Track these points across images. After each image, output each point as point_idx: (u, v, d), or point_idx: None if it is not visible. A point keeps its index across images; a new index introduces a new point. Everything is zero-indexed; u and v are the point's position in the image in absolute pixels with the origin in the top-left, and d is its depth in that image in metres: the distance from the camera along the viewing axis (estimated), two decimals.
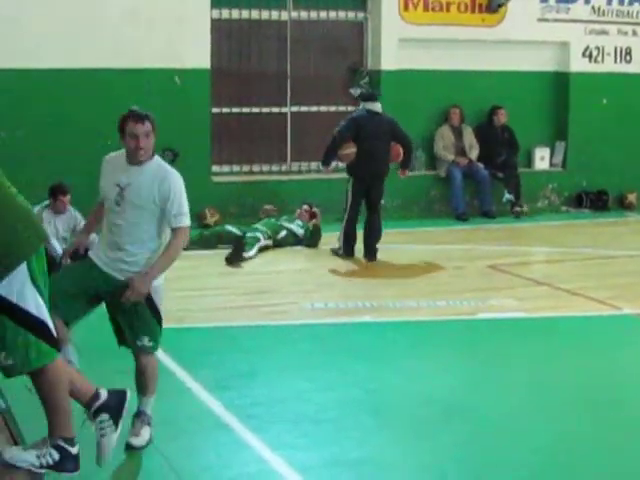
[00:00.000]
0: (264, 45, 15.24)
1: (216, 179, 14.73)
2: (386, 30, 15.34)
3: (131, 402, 6.10)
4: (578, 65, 16.60)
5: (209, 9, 14.45)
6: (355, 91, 14.53)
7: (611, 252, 13.13)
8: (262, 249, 12.52)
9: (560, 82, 16.61)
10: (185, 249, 11.78)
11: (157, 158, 6.13)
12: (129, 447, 6.00)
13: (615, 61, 16.85)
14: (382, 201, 12.69)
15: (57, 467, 4.29)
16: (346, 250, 12.36)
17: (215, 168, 14.90)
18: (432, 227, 14.83)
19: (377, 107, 12.43)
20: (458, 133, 15.87)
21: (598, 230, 15.10)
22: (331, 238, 12.71)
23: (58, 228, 11.21)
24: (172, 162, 14.41)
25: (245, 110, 15.19)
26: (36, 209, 11.17)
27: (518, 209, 15.83)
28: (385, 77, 15.34)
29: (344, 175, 12.64)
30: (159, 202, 5.97)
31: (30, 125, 13.23)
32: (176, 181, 6.06)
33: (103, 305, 6.17)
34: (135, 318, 6.00)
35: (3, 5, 13.11)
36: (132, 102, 13.54)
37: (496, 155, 15.84)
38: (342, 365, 7.99)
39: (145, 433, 6.14)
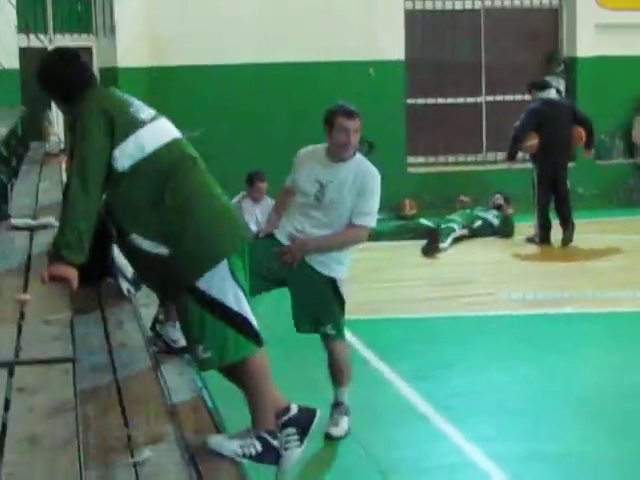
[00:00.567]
0: (458, 35, 15.20)
1: (412, 170, 14.77)
2: (582, 16, 15.05)
3: (328, 395, 6.27)
4: None
5: (402, 0, 14.50)
6: (551, 79, 14.29)
7: None
8: (457, 239, 12.50)
9: None
10: (379, 240, 12.10)
11: (358, 154, 6.14)
12: (328, 437, 6.15)
13: None
14: (568, 187, 12.48)
15: (259, 458, 4.35)
16: (542, 238, 12.24)
17: (410, 159, 14.95)
18: (631, 216, 14.44)
19: (552, 94, 12.34)
20: None
21: None
22: (526, 227, 12.57)
23: (257, 215, 11.33)
24: (367, 153, 14.55)
25: (440, 101, 15.19)
26: (235, 199, 11.47)
27: None
28: (581, 64, 15.07)
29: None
30: (356, 197, 5.99)
31: (232, 119, 13.59)
32: (374, 179, 6.05)
33: None
34: (320, 305, 6.08)
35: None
36: (327, 95, 13.94)
37: None
38: (540, 357, 7.91)
39: (344, 423, 6.25)
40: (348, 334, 6.39)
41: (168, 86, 13.64)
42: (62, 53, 4.76)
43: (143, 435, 3.99)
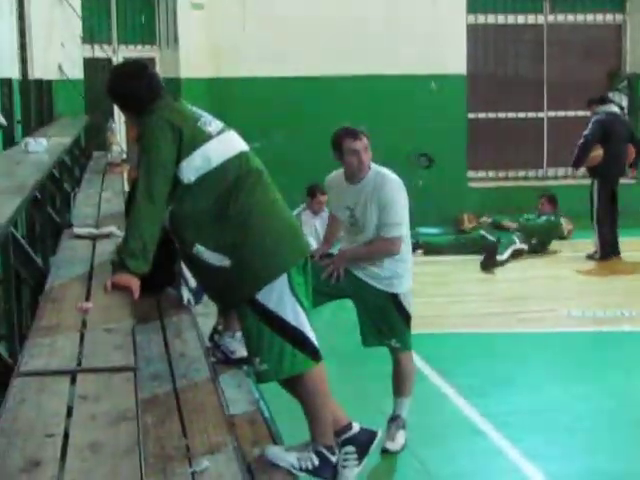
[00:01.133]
0: (520, 49, 15.14)
1: (472, 184, 14.72)
2: None
3: (386, 408, 6.26)
4: None
5: (465, 14, 14.48)
6: (613, 96, 14.18)
7: None
8: (517, 254, 12.40)
9: None
10: (439, 253, 12.04)
11: (374, 166, 6.04)
12: (384, 451, 6.13)
13: None
14: None
15: (315, 472, 4.35)
16: (604, 255, 12.11)
17: (471, 173, 14.90)
18: None
19: (614, 109, 12.29)
20: None
21: None
22: (586, 244, 12.45)
23: (317, 228, 11.35)
24: (427, 167, 14.58)
25: (501, 115, 15.12)
26: (295, 212, 11.49)
27: None
28: None
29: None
30: (378, 211, 5.90)
31: (292, 130, 13.65)
32: (393, 188, 5.93)
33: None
34: (382, 320, 6.08)
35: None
36: (390, 108, 13.98)
37: None
38: (598, 375, 7.83)
39: (400, 437, 6.24)
40: None
41: (229, 97, 13.74)
42: (131, 65, 4.81)
43: (201, 445, 4.01)
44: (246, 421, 4.59)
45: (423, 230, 12.87)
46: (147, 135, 4.23)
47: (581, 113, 14.66)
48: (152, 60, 13.77)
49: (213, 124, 4.35)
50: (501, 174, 15.11)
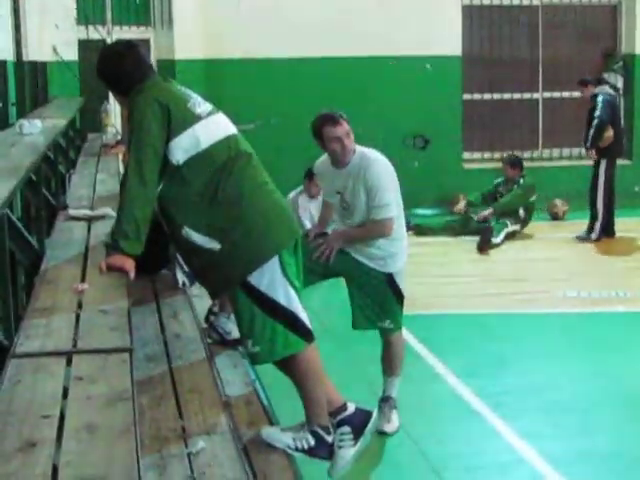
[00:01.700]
0: (515, 31, 15.11)
1: (467, 166, 14.71)
2: None
3: (380, 389, 6.28)
4: None
5: None
6: (609, 77, 14.17)
7: None
8: (510, 235, 12.41)
9: None
10: (432, 234, 12.01)
11: (359, 149, 5.98)
12: (381, 433, 6.15)
13: None
14: None
15: (311, 452, 4.35)
16: (600, 235, 12.12)
17: (466, 155, 14.90)
18: None
19: (610, 90, 12.34)
20: None
21: None
22: (582, 225, 12.46)
23: (312, 212, 11.37)
24: (423, 149, 14.57)
25: (496, 96, 15.11)
26: (291, 195, 11.49)
27: None
28: None
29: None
30: (366, 193, 5.87)
31: (287, 112, 13.61)
32: (378, 170, 5.88)
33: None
34: (376, 301, 6.07)
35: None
36: (385, 90, 13.96)
37: None
38: (593, 355, 7.85)
39: (395, 418, 6.27)
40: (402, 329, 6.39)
41: (224, 78, 13.72)
42: (120, 44, 4.78)
43: (197, 426, 4.02)
44: (242, 402, 4.60)
45: (419, 211, 12.88)
46: (136, 115, 4.19)
47: (576, 94, 14.64)
48: (147, 42, 13.72)
49: (203, 106, 4.32)
50: (496, 155, 15.08)
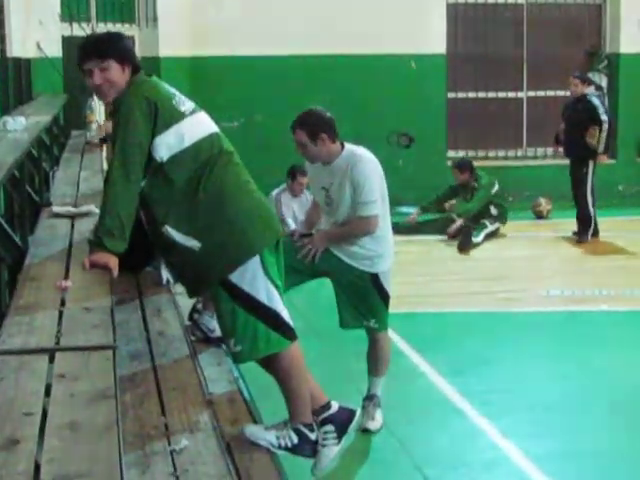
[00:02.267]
0: (500, 29, 15.13)
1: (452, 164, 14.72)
2: (626, 12, 14.92)
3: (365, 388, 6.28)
4: None
5: None
6: (593, 75, 14.21)
7: None
8: (492, 234, 12.41)
9: None
10: (412, 233, 11.97)
11: (348, 146, 5.97)
12: (365, 431, 6.16)
13: None
14: None
15: (295, 450, 4.36)
16: (586, 235, 12.12)
17: (451, 153, 14.91)
18: None
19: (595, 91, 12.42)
20: None
21: None
22: (566, 224, 12.49)
23: (295, 210, 11.37)
24: (407, 147, 14.57)
25: (481, 95, 15.13)
26: (274, 192, 11.48)
27: None
28: (624, 61, 14.93)
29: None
30: (353, 190, 5.86)
31: (272, 110, 13.59)
32: (365, 167, 5.86)
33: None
34: (362, 301, 6.07)
35: None
36: (369, 88, 13.96)
37: None
38: (577, 354, 7.87)
39: (379, 416, 6.27)
40: None
41: (209, 76, 13.70)
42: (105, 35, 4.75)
43: (180, 423, 4.02)
44: (225, 400, 4.60)
45: (402, 209, 12.87)
46: (124, 111, 4.16)
47: (560, 93, 14.70)
48: (131, 39, 13.68)
49: (187, 104, 4.31)
50: (481, 154, 15.11)
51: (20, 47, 10.74)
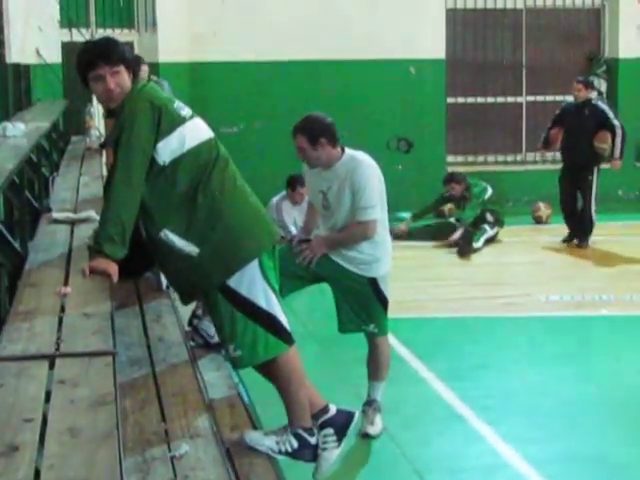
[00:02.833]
0: (499, 34, 15.14)
1: (451, 169, 14.71)
2: (624, 17, 14.93)
3: (365, 392, 6.28)
4: None
5: None
6: (592, 80, 14.20)
7: None
8: (491, 239, 12.41)
9: None
10: (411, 239, 11.95)
11: (349, 151, 5.97)
12: (365, 436, 6.16)
13: None
14: None
15: (295, 455, 4.36)
16: (586, 241, 12.12)
17: (450, 158, 14.92)
18: None
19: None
20: None
21: None
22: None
23: (295, 218, 11.38)
24: (406, 152, 14.57)
25: (480, 100, 15.14)
26: (275, 199, 11.50)
27: None
28: (623, 66, 14.93)
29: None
30: (352, 195, 5.86)
31: (271, 116, 13.60)
32: (365, 172, 5.86)
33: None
34: (361, 306, 6.06)
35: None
36: (369, 93, 13.97)
37: None
38: (576, 359, 7.87)
39: (379, 421, 6.27)
40: None
41: (208, 82, 13.70)
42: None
43: (180, 429, 4.02)
44: (225, 405, 4.60)
45: (402, 215, 12.87)
46: (129, 115, 4.14)
47: (559, 98, 14.69)
48: (131, 44, 13.69)
49: (185, 109, 4.31)
50: (480, 159, 15.12)
51: (19, 53, 10.74)
